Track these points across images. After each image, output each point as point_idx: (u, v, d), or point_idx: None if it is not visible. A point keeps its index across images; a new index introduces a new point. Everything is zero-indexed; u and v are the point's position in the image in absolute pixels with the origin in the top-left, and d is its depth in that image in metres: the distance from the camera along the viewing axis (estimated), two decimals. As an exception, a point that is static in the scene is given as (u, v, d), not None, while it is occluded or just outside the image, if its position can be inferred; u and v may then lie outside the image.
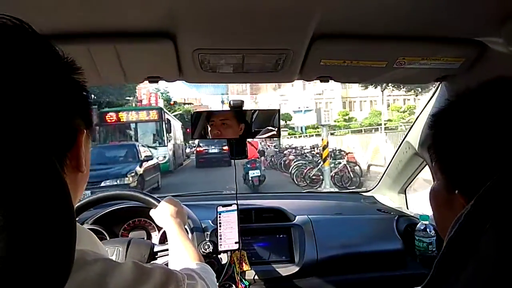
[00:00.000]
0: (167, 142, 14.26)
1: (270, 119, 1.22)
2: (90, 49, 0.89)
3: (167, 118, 14.71)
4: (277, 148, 18.14)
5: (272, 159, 15.29)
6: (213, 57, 0.95)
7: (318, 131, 29.71)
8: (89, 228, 1.05)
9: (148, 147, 12.51)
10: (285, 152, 15.72)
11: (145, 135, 14.28)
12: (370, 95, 35.30)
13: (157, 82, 1.08)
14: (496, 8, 0.80)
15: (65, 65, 0.47)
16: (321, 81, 1.10)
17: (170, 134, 14.82)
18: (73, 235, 0.38)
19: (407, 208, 1.83)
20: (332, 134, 26.13)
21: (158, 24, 0.84)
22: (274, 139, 13.86)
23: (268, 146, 18.83)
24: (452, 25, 0.88)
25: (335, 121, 32.23)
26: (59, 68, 0.45)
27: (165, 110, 15.86)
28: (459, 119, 0.50)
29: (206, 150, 16.94)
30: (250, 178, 8.64)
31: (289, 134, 32.70)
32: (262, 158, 13.89)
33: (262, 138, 1.30)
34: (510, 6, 0.79)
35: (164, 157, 13.63)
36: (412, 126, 1.57)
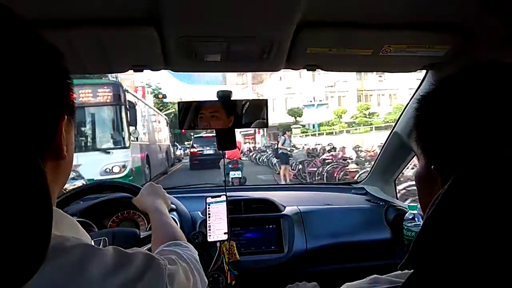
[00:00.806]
0: (129, 141, 8.54)
1: (260, 110, 1.21)
2: (72, 37, 0.87)
3: (129, 101, 8.88)
4: (298, 151, 11.99)
5: (301, 168, 10.35)
6: (198, 45, 0.95)
7: (333, 129, 25.97)
8: (78, 221, 1.05)
9: (95, 150, 8.21)
10: (324, 157, 10.53)
11: (92, 129, 8.47)
12: (389, 88, 30.88)
13: (142, 71, 1.07)
14: None
15: (48, 51, 0.46)
16: (307, 70, 1.10)
17: (136, 129, 9.00)
18: (49, 219, 0.37)
19: (396, 199, 1.84)
20: (343, 132, 23.52)
21: (142, 10, 0.83)
22: (286, 141, 10.45)
23: (294, 146, 12.54)
24: (437, 12, 0.88)
25: (352, 117, 28.78)
26: (42, 54, 0.45)
27: (127, 89, 9.35)
28: (440, 100, 0.52)
29: (201, 152, 16.19)
30: (230, 179, 8.40)
31: (302, 132, 28.71)
32: (284, 166, 10.39)
33: (250, 128, 1.29)
34: None
35: (123, 166, 8.33)
36: (400, 116, 1.58)
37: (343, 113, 29.87)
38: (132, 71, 1.08)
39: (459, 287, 0.41)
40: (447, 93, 0.51)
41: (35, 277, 0.36)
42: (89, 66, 1.02)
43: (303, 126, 30.78)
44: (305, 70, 1.11)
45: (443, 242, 0.42)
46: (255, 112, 1.20)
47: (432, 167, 0.51)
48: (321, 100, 31.65)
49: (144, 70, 1.07)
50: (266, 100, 1.22)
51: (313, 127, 30.14)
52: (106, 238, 1.10)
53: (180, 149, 26.75)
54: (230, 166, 8.54)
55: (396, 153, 1.70)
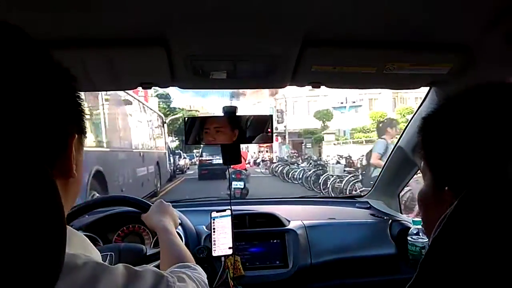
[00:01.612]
0: None
1: (264, 125, 1.22)
2: (82, 55, 0.90)
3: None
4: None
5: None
6: (205, 63, 0.97)
7: (369, 136, 20.51)
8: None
9: None
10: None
11: None
12: (430, 90, 24.40)
13: (150, 88, 1.09)
14: (482, 14, 0.83)
15: (60, 72, 0.47)
16: (312, 87, 1.12)
17: None
18: (63, 238, 0.38)
19: (401, 213, 1.84)
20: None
21: (151, 30, 0.85)
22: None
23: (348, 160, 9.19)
24: (439, 31, 0.90)
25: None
26: (54, 75, 0.46)
27: None
28: (447, 121, 0.52)
29: (210, 161, 15.34)
30: (232, 190, 8.29)
31: (337, 139, 23.05)
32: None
33: (255, 143, 1.30)
34: (496, 13, 0.81)
35: None
36: (404, 131, 1.59)
37: (382, 117, 23.23)
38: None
39: None
40: (453, 113, 0.52)
41: None
42: (98, 83, 1.05)
43: (333, 133, 24.32)
44: (310, 86, 1.13)
45: (450, 263, 0.42)
46: (259, 126, 1.22)
47: (446, 188, 0.51)
48: (354, 102, 25.84)
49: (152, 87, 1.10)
50: (271, 115, 1.24)
51: (344, 133, 24.28)
52: (113, 254, 1.11)
53: (185, 158, 22.29)
54: (233, 176, 8.50)
55: (400, 167, 1.71)
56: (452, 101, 0.54)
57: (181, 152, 21.84)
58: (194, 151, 25.68)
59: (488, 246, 0.40)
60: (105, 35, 0.86)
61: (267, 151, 29.14)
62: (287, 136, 26.89)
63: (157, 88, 1.15)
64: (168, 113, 27.87)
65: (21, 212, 0.34)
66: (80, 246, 0.54)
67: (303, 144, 25.87)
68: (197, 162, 17.61)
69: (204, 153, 16.03)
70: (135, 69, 1.01)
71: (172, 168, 15.23)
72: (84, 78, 0.97)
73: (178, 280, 0.58)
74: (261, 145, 27.87)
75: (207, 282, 0.73)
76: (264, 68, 1.01)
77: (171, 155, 15.32)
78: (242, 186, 8.43)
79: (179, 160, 19.13)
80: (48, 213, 0.36)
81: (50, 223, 0.37)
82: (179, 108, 33.26)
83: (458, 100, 0.53)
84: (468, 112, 0.50)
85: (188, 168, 22.17)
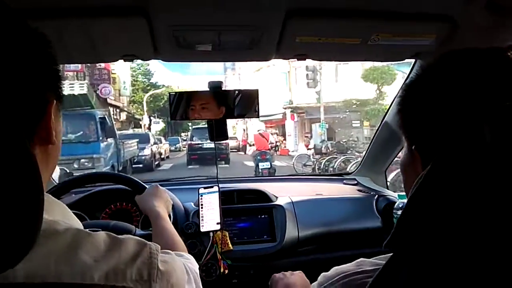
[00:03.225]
0: None
1: (251, 100, 1.21)
2: (60, 26, 0.87)
3: None
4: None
5: None
6: (188, 34, 0.95)
7: None
8: None
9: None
10: None
11: None
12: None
13: (132, 61, 1.07)
14: None
15: (36, 38, 0.46)
16: (298, 59, 1.11)
17: None
18: (39, 204, 0.38)
19: (387, 188, 1.87)
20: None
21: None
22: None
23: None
24: (422, 1, 0.90)
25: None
26: (30, 40, 0.45)
27: None
28: (421, 85, 0.54)
29: (200, 145, 13.91)
30: (260, 170, 8.62)
31: None
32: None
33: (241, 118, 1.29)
34: None
35: None
36: (390, 106, 1.59)
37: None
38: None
39: (438, 266, 0.43)
40: (426, 78, 0.54)
41: (26, 260, 0.37)
42: (77, 56, 1.02)
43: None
44: (296, 59, 1.12)
45: (424, 220, 0.43)
46: (246, 102, 1.20)
47: (413, 147, 0.53)
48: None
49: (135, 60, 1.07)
50: (257, 90, 1.23)
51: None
52: (101, 230, 1.10)
53: (157, 143, 15.69)
54: (259, 157, 8.75)
55: (386, 143, 1.72)
56: (427, 68, 0.55)
57: (149, 134, 15.77)
58: (182, 134, 24.00)
59: (461, 205, 0.41)
60: (83, 4, 0.83)
61: (272, 134, 18.50)
62: (322, 111, 17.80)
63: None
64: (149, 88, 25.13)
65: None
66: (61, 214, 0.54)
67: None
68: (186, 147, 16.03)
69: (194, 137, 14.79)
70: (115, 41, 0.98)
71: (120, 164, 9.67)
72: (61, 50, 0.94)
73: (162, 251, 0.57)
74: (268, 124, 21.84)
75: (198, 273, 0.71)
76: (249, 39, 1.00)
77: (111, 139, 9.31)
78: (269, 166, 8.66)
79: (142, 150, 12.58)
80: (23, 175, 0.36)
81: (26, 189, 0.36)
82: (163, 85, 29.49)
83: (432, 67, 0.54)
84: (440, 76, 0.51)
85: (167, 156, 16.89)
